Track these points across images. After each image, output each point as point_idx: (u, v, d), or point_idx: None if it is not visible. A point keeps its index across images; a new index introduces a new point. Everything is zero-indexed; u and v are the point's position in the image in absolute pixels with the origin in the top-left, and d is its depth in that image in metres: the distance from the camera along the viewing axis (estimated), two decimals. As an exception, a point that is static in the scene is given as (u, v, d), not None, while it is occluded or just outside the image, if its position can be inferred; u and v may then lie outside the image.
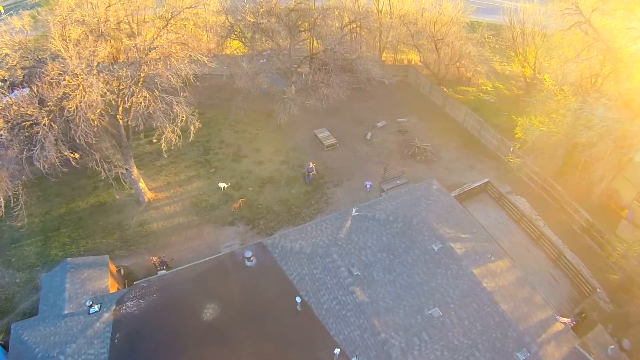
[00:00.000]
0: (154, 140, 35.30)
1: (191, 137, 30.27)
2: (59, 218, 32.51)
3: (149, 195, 34.09)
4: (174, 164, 37.28)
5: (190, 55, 29.78)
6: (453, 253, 23.00)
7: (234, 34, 42.85)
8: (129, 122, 29.65)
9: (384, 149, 38.78)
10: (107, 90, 25.97)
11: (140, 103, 26.94)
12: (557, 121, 30.77)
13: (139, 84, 27.38)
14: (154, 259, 28.58)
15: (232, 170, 36.47)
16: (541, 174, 34.65)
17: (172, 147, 30.32)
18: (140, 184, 33.25)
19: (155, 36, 28.67)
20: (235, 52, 49.05)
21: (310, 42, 45.87)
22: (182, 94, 28.41)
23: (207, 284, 22.91)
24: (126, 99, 27.18)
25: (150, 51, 27.18)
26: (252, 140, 39.51)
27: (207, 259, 25.32)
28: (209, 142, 39.54)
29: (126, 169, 30.79)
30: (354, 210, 26.02)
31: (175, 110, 27.90)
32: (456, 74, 49.27)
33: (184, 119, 28.44)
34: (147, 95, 26.92)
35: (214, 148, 38.91)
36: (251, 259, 23.46)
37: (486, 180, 33.19)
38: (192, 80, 29.40)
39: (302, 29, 41.38)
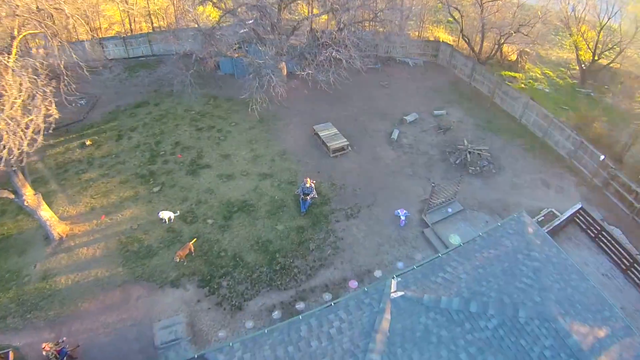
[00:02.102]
0: (88, 142, 26.15)
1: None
2: None
3: (60, 228, 21.71)
4: (106, 177, 24.71)
5: None
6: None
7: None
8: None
9: (419, 154, 25.49)
10: None
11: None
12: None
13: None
14: (48, 347, 16.30)
15: (185, 189, 23.43)
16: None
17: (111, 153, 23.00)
18: (43, 213, 20.81)
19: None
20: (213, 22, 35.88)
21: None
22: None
23: None
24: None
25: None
26: (221, 141, 26.30)
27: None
28: (159, 144, 26.74)
29: (13, 192, 19.52)
30: (393, 284, 12.79)
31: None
32: (497, 56, 37.20)
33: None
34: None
35: (165, 153, 26.04)
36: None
37: (578, 207, 20.64)
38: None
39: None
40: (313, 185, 21.22)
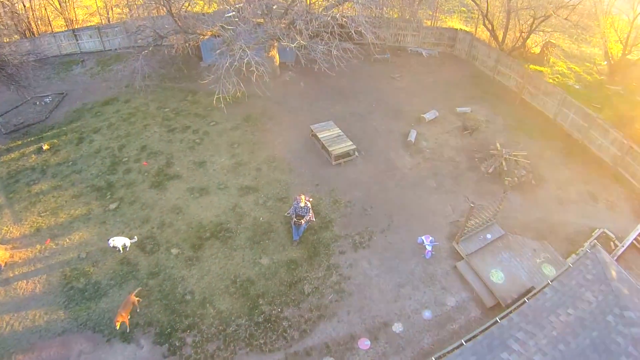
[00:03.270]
0: (45, 147, 22.14)
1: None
2: None
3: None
4: (58, 189, 20.09)
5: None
6: None
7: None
8: None
9: (442, 161, 20.40)
10: None
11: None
12: None
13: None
14: None
15: (147, 207, 18.49)
16: None
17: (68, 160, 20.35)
18: None
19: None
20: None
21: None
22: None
23: None
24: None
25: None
26: (196, 144, 21.33)
27: None
28: (123, 148, 21.85)
29: None
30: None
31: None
32: (521, 49, 32.23)
33: None
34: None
35: (128, 160, 21.15)
36: None
37: (640, 231, 15.83)
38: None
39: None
40: (309, 204, 16.12)
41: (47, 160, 21.62)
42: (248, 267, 15.35)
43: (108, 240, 16.60)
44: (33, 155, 22.07)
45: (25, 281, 16.80)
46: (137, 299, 14.64)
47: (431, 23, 34.98)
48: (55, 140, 22.98)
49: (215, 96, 20.36)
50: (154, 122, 23.24)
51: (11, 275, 16.97)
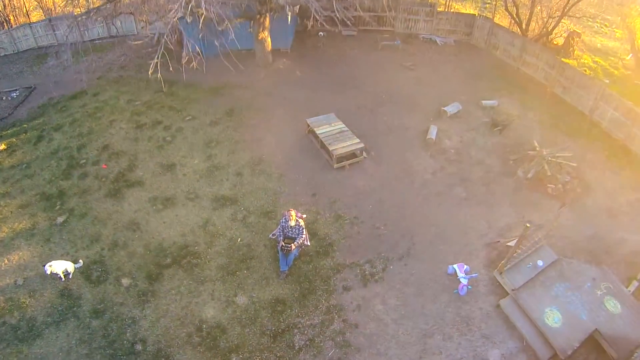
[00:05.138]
0: (1, 147, 19.54)
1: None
2: None
3: None
4: (5, 198, 16.83)
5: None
6: None
7: None
8: None
9: (471, 164, 16.31)
10: None
11: None
12: None
13: None
14: None
15: (99, 222, 14.81)
16: None
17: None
18: None
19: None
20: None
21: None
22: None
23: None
24: None
25: None
26: (166, 143, 17.60)
27: None
28: (83, 149, 18.27)
29: None
30: None
31: None
32: (544, 38, 28.19)
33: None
34: None
35: (86, 162, 17.56)
36: None
37: None
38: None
39: None
40: (302, 222, 12.17)
41: (1, 163, 18.59)
42: (218, 309, 11.49)
43: (45, 266, 12.98)
44: None
45: None
46: None
47: (445, 8, 31.15)
48: (13, 140, 20.01)
49: (151, 69, 16.47)
50: (121, 117, 19.59)
51: None
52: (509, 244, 12.72)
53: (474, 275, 11.77)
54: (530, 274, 11.83)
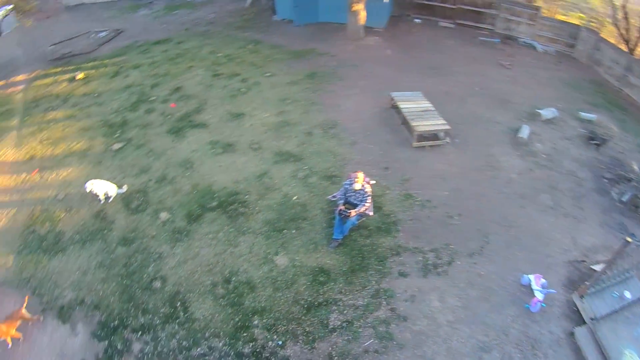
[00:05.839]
0: (79, 76, 19.79)
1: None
2: None
3: None
4: (71, 119, 17.07)
5: None
6: None
7: None
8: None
9: (561, 173, 13.75)
10: None
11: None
12: None
13: None
14: None
15: (153, 155, 13.99)
16: None
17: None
18: None
19: None
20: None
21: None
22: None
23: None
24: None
25: None
26: (240, 94, 16.53)
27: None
28: (155, 87, 17.83)
29: None
30: None
31: None
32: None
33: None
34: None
35: (155, 99, 17.03)
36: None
37: None
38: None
39: None
40: (369, 188, 10.43)
41: (74, 90, 18.96)
42: (254, 264, 10.03)
43: (85, 184, 12.20)
44: (65, 83, 19.70)
45: None
46: (29, 315, 9.82)
47: (549, 15, 28.53)
48: (92, 72, 20.24)
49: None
50: (200, 65, 18.92)
51: None
52: (594, 267, 10.54)
53: (551, 291, 9.63)
54: (615, 305, 9.57)
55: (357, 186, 10.07)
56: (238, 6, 23.70)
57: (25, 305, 9.79)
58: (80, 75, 20.06)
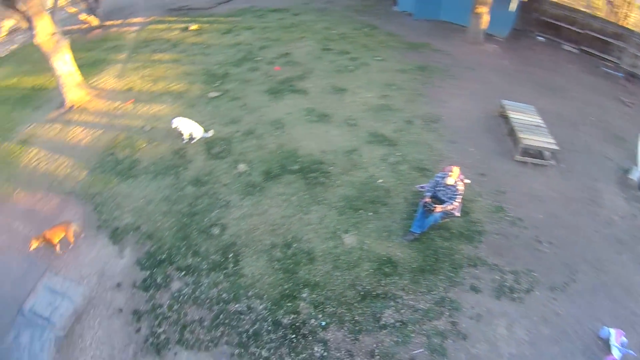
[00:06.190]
0: (192, 27, 20.63)
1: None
2: None
3: (75, 95, 15.78)
4: (176, 63, 17.44)
5: None
6: None
7: None
8: None
9: None
10: None
11: None
12: None
13: None
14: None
15: (246, 109, 13.69)
16: None
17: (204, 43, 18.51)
18: (60, 65, 15.12)
19: None
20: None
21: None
22: None
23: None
24: None
25: None
26: (347, 70, 15.71)
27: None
28: (265, 48, 17.68)
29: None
30: None
31: None
32: None
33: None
34: None
35: (261, 60, 16.79)
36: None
37: None
38: None
39: None
40: (462, 186, 9.25)
41: (185, 38, 19.63)
42: (320, 236, 9.18)
43: (172, 120, 12.06)
44: (177, 31, 20.55)
45: (81, 129, 14.39)
46: (75, 228, 9.88)
47: None
48: (206, 25, 20.85)
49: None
50: (312, 37, 18.43)
51: (74, 118, 14.87)
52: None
53: (631, 352, 7.96)
54: None
55: (450, 181, 8.91)
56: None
57: (74, 227, 9.89)
58: (193, 27, 20.58)
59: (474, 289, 8.47)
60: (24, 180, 12.94)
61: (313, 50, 17.05)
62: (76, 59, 15.71)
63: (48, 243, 9.36)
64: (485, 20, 17.50)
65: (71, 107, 15.88)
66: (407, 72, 15.21)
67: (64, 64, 15.33)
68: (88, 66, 17.86)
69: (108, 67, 18.30)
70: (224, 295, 8.26)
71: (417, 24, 19.39)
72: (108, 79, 17.36)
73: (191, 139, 12.18)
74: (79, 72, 15.96)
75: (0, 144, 15.04)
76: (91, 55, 19.59)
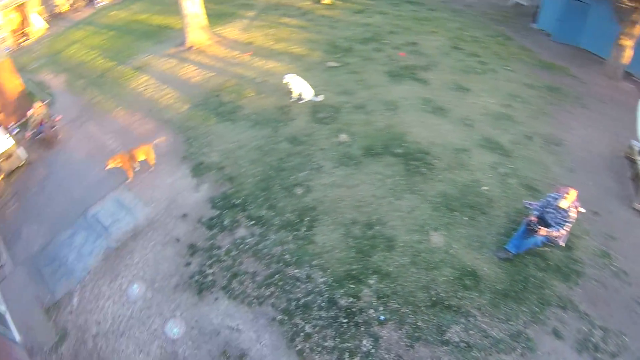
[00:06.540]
0: (325, 1, 20.97)
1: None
2: None
3: (197, 37, 16.72)
4: (301, 30, 17.77)
5: None
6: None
7: None
8: None
9: None
10: None
11: None
12: None
13: None
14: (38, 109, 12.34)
15: (361, 83, 13.25)
16: None
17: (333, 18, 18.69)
18: (189, 5, 16.17)
19: None
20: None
21: None
22: None
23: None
24: None
25: None
26: (473, 72, 14.48)
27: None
28: (391, 34, 17.10)
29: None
30: None
31: None
32: None
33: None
34: None
35: (388, 44, 16.21)
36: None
37: None
38: None
39: None
40: (575, 213, 8.01)
41: (317, 10, 19.89)
42: (406, 227, 8.40)
43: (286, 75, 11.72)
44: (310, 1, 21.11)
45: (195, 68, 15.04)
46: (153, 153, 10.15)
47: None
48: (339, 2, 20.93)
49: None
50: (444, 34, 17.46)
51: (192, 57, 15.86)
52: None
53: None
54: None
55: (564, 204, 7.74)
56: (500, 2, 21.74)
57: (155, 142, 10.18)
58: (327, 1, 20.63)
59: (556, 334, 7.30)
60: (128, 100, 13.61)
61: (442, 46, 16.15)
62: (206, 9, 16.53)
63: (127, 164, 9.47)
64: (627, 55, 15.53)
65: (190, 47, 16.71)
66: (536, 88, 13.88)
67: (192, 5, 16.16)
68: (216, 16, 18.54)
69: (235, 21, 18.98)
70: (287, 256, 7.83)
71: (554, 45, 17.85)
72: (232, 30, 17.99)
73: (300, 98, 11.91)
74: (205, 16, 16.65)
75: (117, 66, 16.18)
76: (221, 8, 20.40)
